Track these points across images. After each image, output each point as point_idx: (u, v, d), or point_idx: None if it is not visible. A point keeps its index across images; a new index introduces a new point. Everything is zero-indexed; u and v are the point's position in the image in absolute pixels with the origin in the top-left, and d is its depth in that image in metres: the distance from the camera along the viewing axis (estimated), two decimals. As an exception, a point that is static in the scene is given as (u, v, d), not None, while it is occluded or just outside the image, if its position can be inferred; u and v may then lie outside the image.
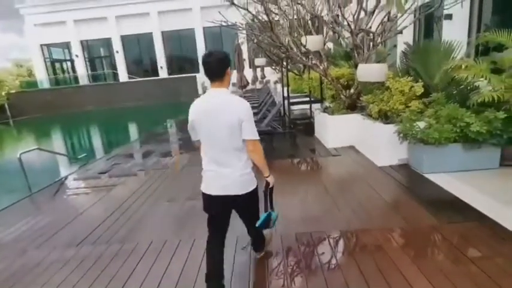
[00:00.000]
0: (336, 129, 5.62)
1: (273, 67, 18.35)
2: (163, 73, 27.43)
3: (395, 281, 2.23)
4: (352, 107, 5.83)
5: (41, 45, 28.02)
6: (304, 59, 6.30)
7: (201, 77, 26.15)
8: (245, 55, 17.55)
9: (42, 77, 28.40)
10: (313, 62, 6.11)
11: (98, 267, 2.72)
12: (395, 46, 9.46)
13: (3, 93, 26.52)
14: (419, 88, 4.37)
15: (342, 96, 5.91)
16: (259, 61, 12.34)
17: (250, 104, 9.87)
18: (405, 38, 7.72)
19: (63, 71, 29.75)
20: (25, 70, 33.93)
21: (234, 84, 24.64)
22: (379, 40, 5.07)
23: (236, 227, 3.14)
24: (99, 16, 26.46)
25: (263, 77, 20.42)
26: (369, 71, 4.35)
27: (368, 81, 4.62)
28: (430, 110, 4.09)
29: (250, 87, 14.12)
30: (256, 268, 2.53)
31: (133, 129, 16.00)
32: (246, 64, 16.29)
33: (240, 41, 11.16)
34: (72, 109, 24.61)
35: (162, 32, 27.07)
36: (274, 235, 2.97)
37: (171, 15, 26.49)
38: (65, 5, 26.44)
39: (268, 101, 10.02)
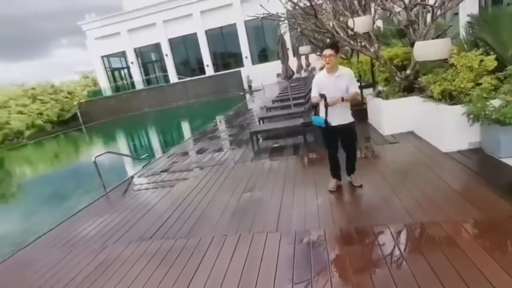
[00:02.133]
0: (392, 115, 5.26)
1: (318, 53, 17.77)
2: (209, 71, 28.33)
3: (472, 278, 2.04)
4: (409, 89, 5.39)
5: (102, 56, 30.88)
6: (351, 42, 5.97)
7: (245, 71, 26.49)
8: (288, 44, 17.27)
9: (105, 85, 31.39)
10: (362, 44, 5.75)
11: (167, 261, 2.96)
12: (456, 14, 8.46)
13: (75, 103, 29.99)
14: (491, 62, 3.85)
15: (397, 78, 5.50)
16: (304, 49, 12.04)
17: (297, 93, 9.90)
18: (468, 6, 6.86)
19: (121, 78, 32.47)
20: (90, 80, 37.71)
21: (278, 75, 24.51)
22: (438, 12, 4.57)
23: (294, 223, 3.17)
24: (149, 23, 28.17)
25: (308, 64, 19.91)
26: (428, 49, 3.96)
27: (428, 60, 4.21)
28: (507, 85, 3.59)
29: (295, 76, 13.90)
30: (315, 262, 2.52)
31: (186, 128, 16.89)
32: (290, 53, 16.02)
33: (282, 31, 11.00)
34: (132, 112, 26.83)
35: (206, 31, 27.86)
36: (332, 228, 2.92)
37: (213, 13, 27.09)
38: (118, 17, 28.69)
39: (315, 90, 9.77)
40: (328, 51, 3.22)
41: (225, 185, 4.68)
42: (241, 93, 24.39)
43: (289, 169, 4.82)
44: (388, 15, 8.24)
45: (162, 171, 6.05)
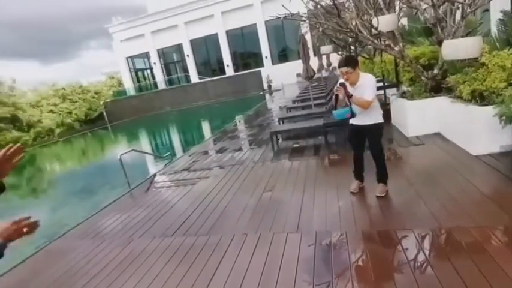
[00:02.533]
0: (417, 116, 5.10)
1: (339, 53, 17.49)
2: (229, 71, 28.59)
3: (502, 287, 1.96)
4: (436, 89, 5.20)
5: (126, 57, 31.92)
6: (375, 41, 5.84)
7: (265, 70, 26.51)
8: (309, 44, 17.12)
9: (129, 86, 32.44)
10: (386, 43, 5.61)
11: (189, 258, 3.03)
12: (486, 11, 8.07)
13: (101, 103, 31.22)
14: (525, 60, 3.65)
15: (423, 78, 5.32)
16: (325, 49, 11.89)
17: (318, 93, 9.81)
18: (500, 2, 6.52)
19: (144, 79, 33.45)
20: (116, 81, 39.14)
21: (299, 75, 24.29)
22: (468, 10, 4.38)
23: (315, 224, 3.15)
24: (171, 25, 28.83)
25: (329, 64, 19.63)
26: (457, 47, 3.80)
27: (457, 59, 4.05)
28: (543, 85, 3.39)
29: (316, 76, 13.78)
30: (336, 264, 2.50)
31: (206, 127, 17.15)
32: (311, 53, 15.89)
33: (303, 31, 10.92)
34: (154, 111, 27.57)
35: (227, 31, 28.14)
36: (354, 231, 2.88)
37: (234, 14, 27.32)
38: (142, 19, 29.57)
39: (336, 90, 9.63)
40: (344, 69, 3.12)
41: (245, 185, 4.72)
42: (261, 93, 24.43)
43: (310, 170, 4.79)
44: (414, 13, 7.98)
45: (183, 170, 6.19)
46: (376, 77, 11.10)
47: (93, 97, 33.56)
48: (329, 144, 5.93)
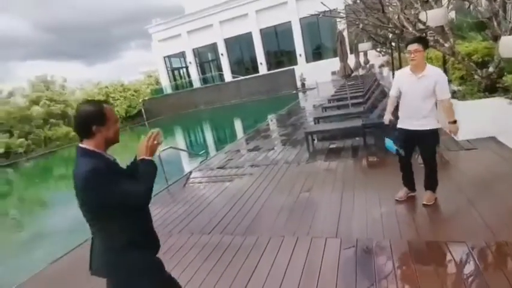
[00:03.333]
0: (469, 117, 4.67)
1: (378, 50, 16.76)
2: (263, 69, 28.61)
3: None
4: (491, 89, 4.77)
5: (164, 57, 33.19)
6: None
7: (298, 68, 26.17)
8: (346, 41, 16.62)
9: (165, 84, 33.72)
10: (435, 39, 5.24)
11: (227, 257, 3.05)
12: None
13: (140, 101, 32.78)
14: None
15: (476, 76, 4.91)
16: (363, 46, 11.44)
17: (355, 92, 9.47)
18: None
19: (180, 77, 34.56)
20: (153, 79, 40.85)
21: (334, 73, 23.72)
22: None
23: (355, 230, 3.01)
24: (206, 24, 29.45)
25: (366, 62, 18.94)
26: (518, 44, 3.44)
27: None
28: None
29: (353, 74, 13.38)
30: (379, 274, 2.37)
31: (239, 126, 17.32)
32: (348, 50, 15.41)
33: (341, 28, 10.59)
34: (189, 109, 28.42)
35: (260, 30, 28.16)
36: (399, 240, 2.72)
37: (268, 12, 27.25)
38: (179, 19, 30.52)
39: (375, 89, 9.22)
40: (413, 46, 2.79)
41: (281, 185, 4.67)
42: (294, 91, 24.17)
43: (348, 172, 4.63)
44: (467, 6, 7.39)
45: (218, 168, 6.28)
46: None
47: (133, 95, 35.28)
48: (368, 146, 5.69)
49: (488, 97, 4.63)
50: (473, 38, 7.22)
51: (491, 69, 4.60)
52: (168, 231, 3.90)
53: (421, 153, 3.15)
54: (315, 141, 6.71)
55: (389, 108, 3.31)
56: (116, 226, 1.49)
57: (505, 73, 4.23)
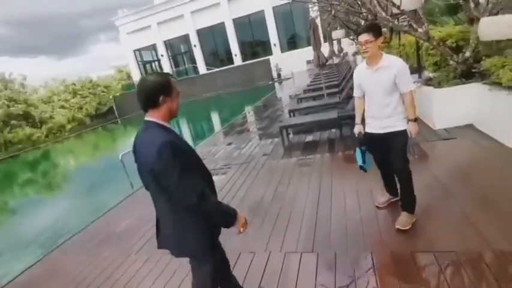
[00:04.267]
0: (445, 105, 4.52)
1: (351, 38, 16.62)
2: (237, 60, 27.95)
3: None
4: (467, 74, 4.59)
5: (134, 50, 31.66)
6: (396, 22, 5.21)
7: (274, 59, 25.74)
8: (320, 29, 16.34)
9: (137, 79, 32.26)
10: (409, 23, 4.98)
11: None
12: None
13: (110, 97, 31.22)
14: None
15: (452, 62, 4.71)
16: (337, 34, 11.18)
17: (330, 81, 9.05)
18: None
19: (152, 71, 33.19)
20: (125, 74, 39.02)
21: (309, 62, 23.55)
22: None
23: (334, 242, 2.67)
24: (177, 15, 28.25)
25: (340, 50, 18.80)
26: (499, 26, 3.21)
27: (496, 39, 3.45)
28: None
29: (327, 63, 13.14)
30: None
31: (215, 120, 16.76)
32: (321, 38, 15.15)
33: (313, 15, 10.24)
34: (163, 105, 27.27)
35: (233, 20, 27.38)
36: (381, 251, 2.43)
37: (241, 1, 26.46)
38: (148, 10, 29.08)
39: (350, 77, 8.98)
40: (363, 37, 2.35)
41: (254, 186, 4.31)
42: (270, 82, 23.78)
43: (325, 169, 4.33)
44: (437, -11, 7.24)
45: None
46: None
47: (103, 91, 33.57)
48: (344, 138, 5.44)
49: (464, 83, 4.44)
50: (446, 23, 7.11)
51: (467, 53, 4.41)
52: (131, 244, 3.45)
53: (391, 164, 2.61)
54: (291, 135, 6.39)
55: (357, 114, 2.83)
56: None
57: (483, 57, 4.04)
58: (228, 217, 1.57)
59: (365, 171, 2.80)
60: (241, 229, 1.60)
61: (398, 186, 2.69)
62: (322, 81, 8.62)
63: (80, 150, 20.39)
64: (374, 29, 2.40)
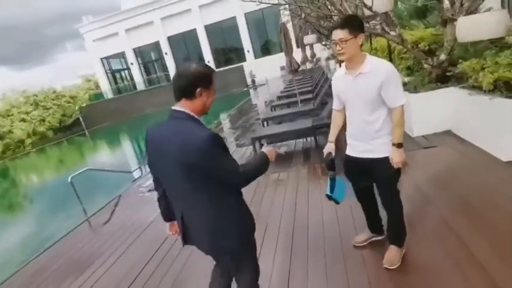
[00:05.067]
0: (423, 111, 4.29)
1: (323, 43, 16.65)
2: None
3: None
4: (442, 78, 4.40)
5: (101, 58, 30.26)
6: (368, 25, 4.98)
7: (247, 65, 25.47)
8: (292, 34, 16.24)
9: (106, 88, 30.81)
10: (381, 27, 4.76)
11: None
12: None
13: (76, 108, 29.55)
14: None
15: (426, 66, 4.51)
16: (309, 39, 11.01)
17: (303, 88, 8.62)
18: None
19: (122, 80, 31.85)
20: (93, 83, 37.24)
21: (283, 68, 23.47)
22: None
23: None
24: (147, 21, 27.36)
25: (313, 55, 18.81)
26: (478, 26, 2.98)
27: (475, 40, 3.23)
28: None
29: (300, 68, 12.95)
30: None
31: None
32: (293, 44, 15.03)
33: (284, 20, 10.00)
34: (134, 113, 26.12)
35: (205, 26, 26.91)
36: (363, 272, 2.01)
37: (212, 7, 26.09)
38: (114, 17, 27.95)
39: (323, 83, 8.77)
40: (337, 34, 1.81)
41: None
42: (245, 89, 23.46)
43: (301, 185, 3.92)
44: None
45: (150, 190, 5.21)
46: (365, 67, 10.20)
47: (69, 102, 31.80)
48: (320, 148, 5.09)
49: (440, 87, 4.24)
50: (415, 26, 7.05)
51: (442, 56, 4.21)
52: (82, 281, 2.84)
53: (379, 195, 2.16)
54: (264, 146, 5.98)
55: (332, 131, 2.25)
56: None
57: (460, 60, 3.84)
58: (265, 164, 1.56)
59: (336, 203, 2.18)
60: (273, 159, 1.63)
61: (387, 218, 2.20)
62: (295, 87, 8.32)
63: (36, 167, 18.75)
64: (352, 23, 1.82)
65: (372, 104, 1.92)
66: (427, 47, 5.17)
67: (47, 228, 6.48)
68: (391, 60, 6.41)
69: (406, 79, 4.96)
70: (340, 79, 2.07)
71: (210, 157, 1.34)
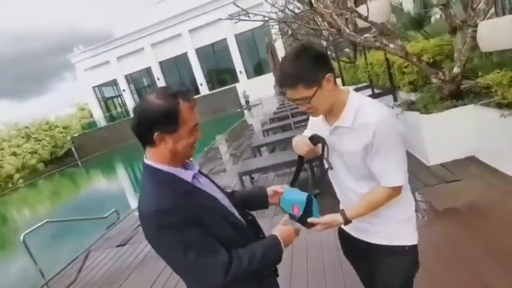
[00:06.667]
0: (438, 135, 3.59)
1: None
2: (204, 90, 27.11)
3: None
4: (456, 94, 3.73)
5: (93, 87, 30.03)
6: (363, 38, 4.37)
7: (240, 86, 25.12)
8: (281, 52, 15.87)
9: (98, 116, 30.36)
10: (382, 40, 4.14)
11: None
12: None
13: (68, 138, 28.91)
14: None
15: (435, 80, 3.85)
16: (299, 56, 10.49)
17: (297, 108, 7.72)
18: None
19: (115, 107, 31.46)
20: (87, 112, 36.80)
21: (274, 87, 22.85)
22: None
23: None
24: (137, 48, 27.32)
25: (306, 73, 18.44)
26: (504, 31, 2.33)
27: (504, 49, 2.58)
28: None
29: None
30: None
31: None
32: (285, 63, 14.59)
33: (273, 39, 9.53)
34: (127, 142, 25.36)
35: (196, 50, 26.83)
36: None
37: (202, 30, 26.09)
38: (105, 46, 27.94)
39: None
40: (291, 95, 1.12)
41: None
42: (239, 109, 22.96)
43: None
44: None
45: (119, 245, 4.37)
46: (361, 83, 9.59)
47: (62, 132, 31.18)
48: (317, 181, 4.35)
49: (456, 105, 3.56)
50: (413, 38, 6.50)
51: (456, 69, 3.56)
52: None
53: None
54: (256, 178, 5.25)
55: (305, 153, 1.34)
56: None
57: (480, 73, 3.18)
58: (274, 257, 1.09)
59: (304, 226, 1.20)
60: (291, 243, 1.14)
61: None
62: (288, 109, 7.69)
63: (13, 208, 17.51)
64: (306, 70, 1.08)
65: (357, 171, 1.20)
66: (431, 60, 4.56)
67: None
68: (390, 75, 5.80)
69: (413, 97, 4.30)
70: (317, 124, 1.28)
71: (154, 245, 1.00)
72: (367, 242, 1.29)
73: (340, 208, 1.38)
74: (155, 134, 0.97)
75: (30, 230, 4.11)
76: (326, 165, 1.22)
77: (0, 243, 10.00)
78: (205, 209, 1.02)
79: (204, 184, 1.12)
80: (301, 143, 1.23)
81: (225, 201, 1.15)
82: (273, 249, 1.09)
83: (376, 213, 1.21)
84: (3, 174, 23.06)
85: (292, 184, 1.27)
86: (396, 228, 1.24)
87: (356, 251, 1.40)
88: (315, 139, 1.21)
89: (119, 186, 13.63)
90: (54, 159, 27.76)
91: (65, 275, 4.13)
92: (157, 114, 0.96)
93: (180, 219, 0.94)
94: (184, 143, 1.01)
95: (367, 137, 1.10)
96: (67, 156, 28.01)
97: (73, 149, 27.91)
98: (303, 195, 1.19)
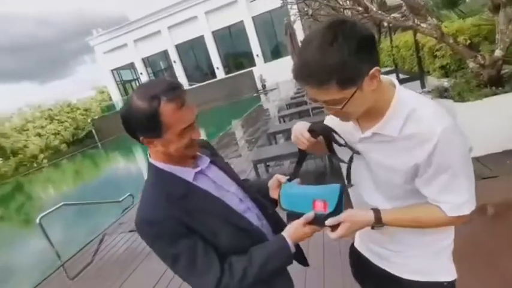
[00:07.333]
0: (473, 125, 3.25)
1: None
2: (220, 73, 26.82)
3: None
4: (496, 81, 3.36)
5: (111, 70, 30.34)
6: (391, 18, 3.99)
7: (257, 70, 24.63)
8: (300, 34, 15.30)
9: (117, 99, 30.82)
10: (413, 19, 3.76)
11: None
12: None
13: (89, 120, 29.63)
14: None
15: (472, 65, 3.47)
16: (319, 39, 10.00)
17: None
18: None
19: (133, 90, 31.71)
20: (106, 95, 37.45)
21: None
22: None
23: None
24: (153, 31, 27.16)
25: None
26: None
27: None
28: None
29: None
30: None
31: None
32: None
33: (292, 20, 9.09)
34: (144, 125, 25.74)
35: (213, 32, 26.37)
36: None
37: (218, 13, 25.52)
38: (122, 28, 27.92)
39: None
40: (310, 91, 0.80)
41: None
42: (255, 94, 22.61)
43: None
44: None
45: (132, 231, 4.39)
46: (384, 67, 9.07)
47: (83, 114, 31.97)
48: (335, 169, 4.14)
49: (497, 93, 3.20)
50: (447, 17, 5.97)
51: (498, 52, 3.18)
52: None
53: None
54: (270, 168, 5.08)
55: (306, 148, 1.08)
56: None
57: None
58: (279, 263, 0.97)
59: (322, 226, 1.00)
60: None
61: None
62: (306, 96, 7.36)
63: (39, 187, 18.14)
64: (342, 62, 0.73)
65: (393, 190, 0.93)
66: (469, 41, 4.14)
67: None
68: (419, 58, 5.38)
69: (446, 83, 3.93)
70: (343, 124, 0.95)
71: (150, 245, 0.94)
72: (390, 272, 1.05)
73: (361, 237, 1.18)
74: (141, 138, 0.93)
75: (46, 212, 4.16)
76: (339, 158, 0.99)
77: (24, 223, 10.46)
78: (202, 212, 0.94)
79: (212, 179, 1.02)
80: (299, 136, 0.97)
81: (233, 199, 1.03)
82: (277, 255, 0.97)
83: (421, 248, 0.97)
84: (28, 154, 24.00)
85: (291, 180, 1.06)
86: (431, 259, 0.99)
87: (372, 276, 1.13)
88: (317, 131, 0.95)
89: (135, 170, 13.87)
90: (75, 140, 28.63)
91: (81, 257, 4.19)
92: (136, 118, 0.88)
93: (169, 230, 0.89)
94: (175, 146, 0.92)
95: (423, 154, 0.82)
96: (87, 138, 28.80)
97: (93, 131, 28.61)
98: (333, 186, 0.92)
